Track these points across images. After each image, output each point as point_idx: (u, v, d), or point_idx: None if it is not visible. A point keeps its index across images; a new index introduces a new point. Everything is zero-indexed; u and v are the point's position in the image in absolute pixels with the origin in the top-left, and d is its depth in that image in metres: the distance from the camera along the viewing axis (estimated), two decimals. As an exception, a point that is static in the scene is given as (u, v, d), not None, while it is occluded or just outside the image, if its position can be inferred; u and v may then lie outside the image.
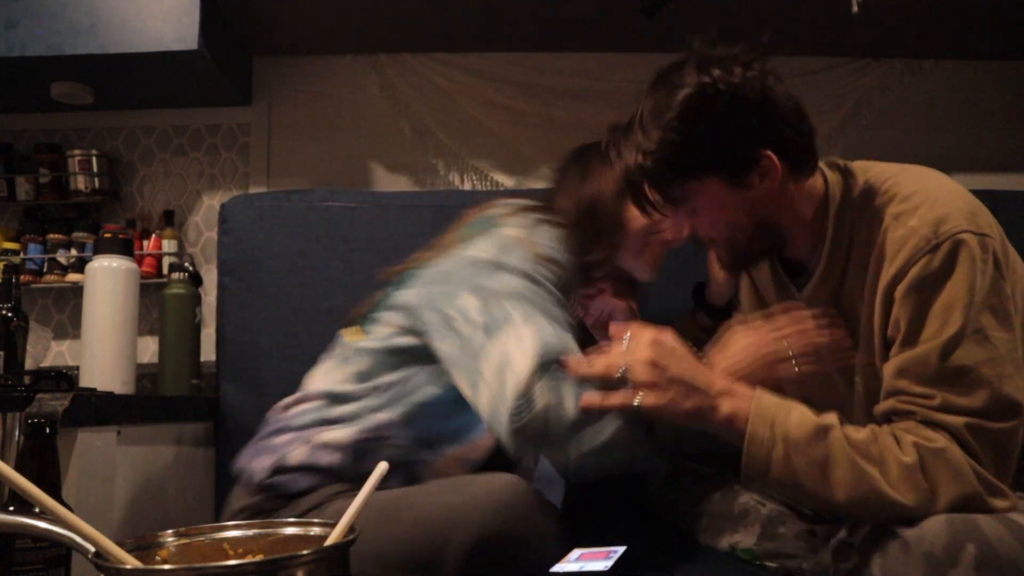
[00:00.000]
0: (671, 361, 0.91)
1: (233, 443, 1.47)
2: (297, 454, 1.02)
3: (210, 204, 2.18)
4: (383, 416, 1.04)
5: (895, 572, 0.84)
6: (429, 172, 2.19)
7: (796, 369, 0.95)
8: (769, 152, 0.92)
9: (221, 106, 2.18)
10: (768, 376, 0.95)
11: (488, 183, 2.18)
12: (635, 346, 0.93)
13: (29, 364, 1.68)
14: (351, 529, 0.62)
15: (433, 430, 1.06)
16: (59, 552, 0.83)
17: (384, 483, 0.85)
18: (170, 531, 0.65)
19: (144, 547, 0.62)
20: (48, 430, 0.85)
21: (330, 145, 2.19)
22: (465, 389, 0.99)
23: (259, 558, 0.64)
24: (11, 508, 0.78)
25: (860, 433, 0.89)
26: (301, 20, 2.02)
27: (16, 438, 0.98)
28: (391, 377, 1.06)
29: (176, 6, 1.81)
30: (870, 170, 1.01)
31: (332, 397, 1.07)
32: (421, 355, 1.05)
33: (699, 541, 1.19)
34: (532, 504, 0.92)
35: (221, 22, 1.96)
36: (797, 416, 0.89)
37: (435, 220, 1.56)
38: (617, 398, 0.92)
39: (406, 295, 1.09)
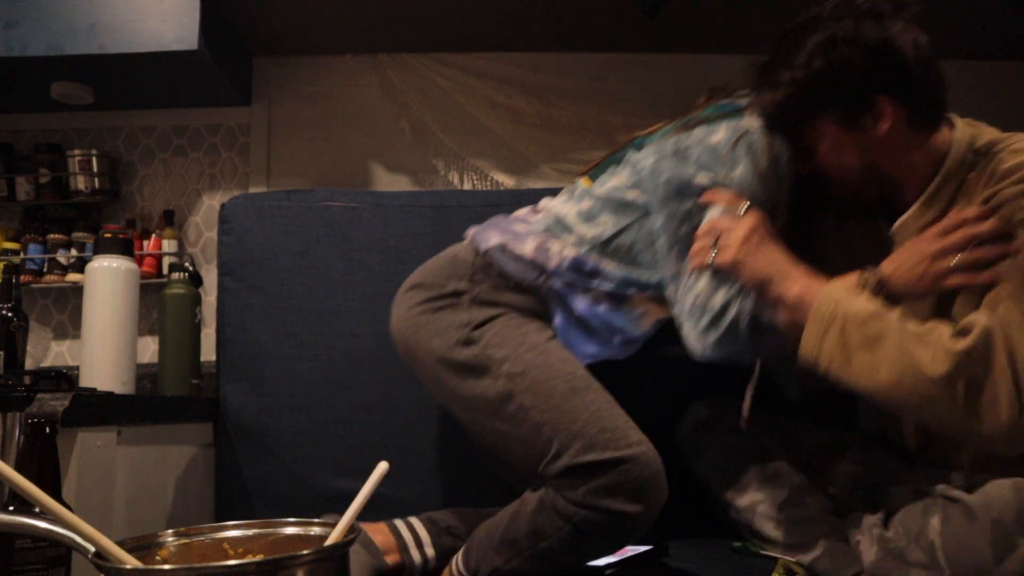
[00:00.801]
0: (766, 242, 1.01)
1: (233, 443, 1.48)
2: (526, 246, 1.17)
3: (210, 204, 2.18)
4: (597, 255, 1.16)
5: (957, 538, 0.83)
6: (429, 172, 2.19)
7: (952, 263, 0.95)
8: (885, 98, 0.98)
9: (221, 106, 2.18)
10: (930, 271, 0.96)
11: (488, 183, 2.18)
12: (743, 218, 1.03)
13: (29, 364, 1.68)
14: (351, 529, 0.62)
15: (641, 277, 1.16)
16: (59, 552, 0.82)
17: (593, 306, 1.15)
18: (170, 531, 0.65)
19: (144, 547, 0.62)
20: (48, 430, 0.85)
21: (330, 145, 2.19)
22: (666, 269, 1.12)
23: (259, 558, 0.64)
24: (11, 508, 0.78)
25: (922, 326, 0.90)
26: (301, 20, 2.02)
27: (16, 438, 0.98)
28: (610, 224, 1.16)
29: (176, 6, 1.80)
30: (1003, 134, 1.04)
31: (560, 223, 1.20)
32: (640, 210, 1.15)
33: (717, 495, 1.20)
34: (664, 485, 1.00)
35: (221, 22, 1.96)
36: (862, 300, 0.94)
37: (435, 220, 1.56)
38: (700, 254, 1.05)
39: (640, 157, 1.16)
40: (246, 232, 1.55)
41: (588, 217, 1.18)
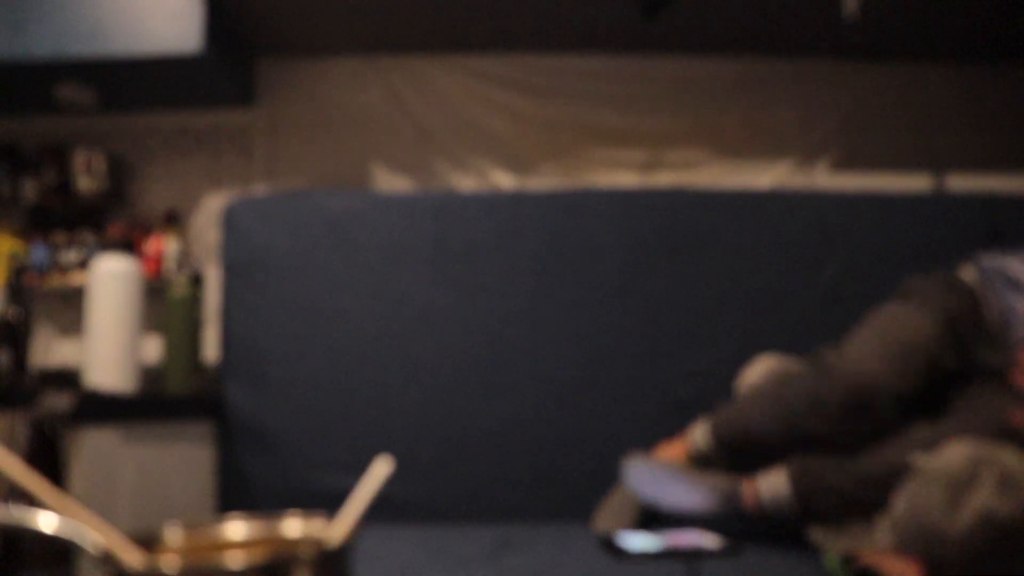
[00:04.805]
0: None
1: (235, 442, 1.49)
2: None
3: (213, 205, 2.19)
4: None
5: (916, 499, 0.86)
6: (429, 172, 2.20)
7: None
8: None
9: (224, 107, 2.19)
10: None
11: (488, 183, 2.18)
12: None
13: (34, 364, 1.68)
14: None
15: None
16: (64, 549, 0.83)
17: None
18: (172, 529, 0.65)
19: (146, 545, 0.62)
20: (53, 429, 0.86)
21: (332, 145, 2.20)
22: None
23: (261, 557, 0.64)
24: (17, 505, 0.79)
25: None
26: (304, 22, 2.03)
27: (22, 437, 0.99)
28: None
29: (180, 9, 1.81)
30: None
31: None
32: None
33: None
34: None
35: (225, 24, 1.96)
36: None
37: (435, 220, 1.56)
38: None
39: None
40: (248, 232, 1.55)
41: None
